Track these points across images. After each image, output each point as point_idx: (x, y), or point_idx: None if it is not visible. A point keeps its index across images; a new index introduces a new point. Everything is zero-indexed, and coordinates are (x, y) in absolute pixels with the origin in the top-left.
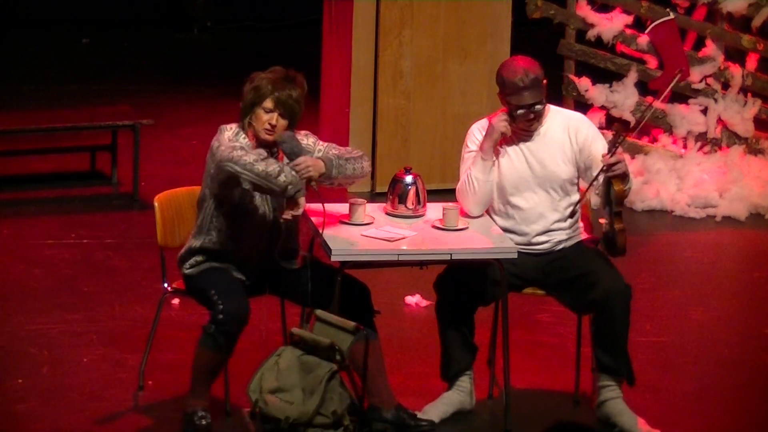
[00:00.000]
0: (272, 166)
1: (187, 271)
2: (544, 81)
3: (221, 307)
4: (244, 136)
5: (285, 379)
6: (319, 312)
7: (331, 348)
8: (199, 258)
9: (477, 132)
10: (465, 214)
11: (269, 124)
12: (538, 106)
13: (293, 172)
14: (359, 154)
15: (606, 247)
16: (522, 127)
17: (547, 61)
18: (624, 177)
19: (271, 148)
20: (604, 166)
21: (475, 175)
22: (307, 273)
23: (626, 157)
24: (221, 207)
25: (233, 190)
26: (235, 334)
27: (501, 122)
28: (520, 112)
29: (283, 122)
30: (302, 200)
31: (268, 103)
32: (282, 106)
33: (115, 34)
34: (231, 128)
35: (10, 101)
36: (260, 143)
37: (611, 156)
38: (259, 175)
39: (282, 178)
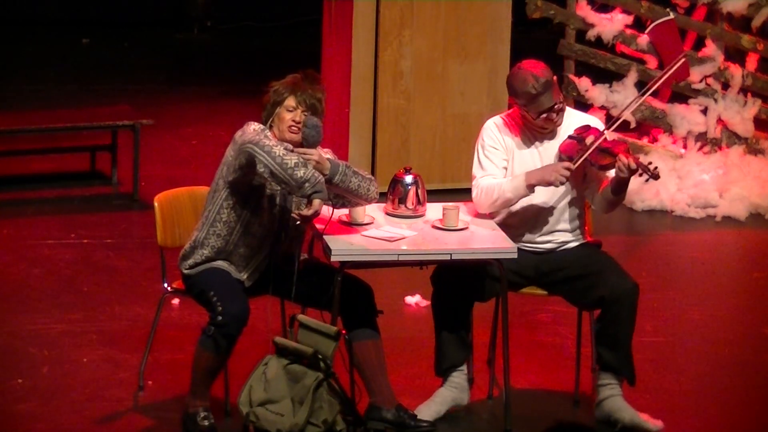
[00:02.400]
0: (293, 159)
1: (186, 271)
2: (554, 78)
3: (221, 308)
4: (269, 134)
5: (273, 390)
6: (301, 317)
7: (315, 357)
8: (202, 253)
9: (494, 129)
10: (475, 213)
11: (293, 121)
12: (558, 105)
13: (315, 173)
14: (369, 177)
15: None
16: (546, 126)
17: (547, 61)
18: (622, 183)
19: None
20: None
21: (507, 194)
22: (307, 274)
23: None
24: (232, 198)
25: (247, 181)
26: (235, 336)
27: (562, 176)
28: (543, 116)
29: (297, 118)
30: (317, 203)
31: (290, 101)
32: (304, 103)
33: (115, 34)
34: (257, 124)
35: (10, 101)
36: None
37: (636, 164)
38: (276, 162)
39: (300, 172)
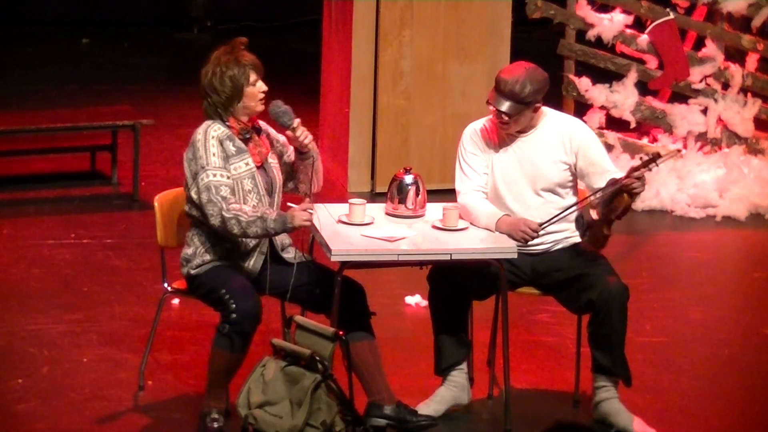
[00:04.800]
0: (256, 227)
1: (193, 272)
2: (537, 104)
3: (234, 306)
4: (225, 131)
5: (271, 391)
6: (298, 318)
7: (312, 358)
8: (207, 257)
9: (472, 135)
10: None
11: (262, 93)
12: (503, 116)
13: (270, 221)
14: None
15: (587, 238)
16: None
17: (547, 61)
18: (637, 195)
19: (256, 130)
20: (619, 182)
21: (479, 224)
22: (305, 277)
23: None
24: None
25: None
26: (250, 333)
27: (526, 236)
28: (489, 107)
29: (264, 86)
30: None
31: (252, 76)
32: (258, 70)
33: (115, 34)
34: (213, 144)
35: (10, 101)
36: (242, 128)
37: (638, 173)
38: (257, 237)
39: (270, 230)
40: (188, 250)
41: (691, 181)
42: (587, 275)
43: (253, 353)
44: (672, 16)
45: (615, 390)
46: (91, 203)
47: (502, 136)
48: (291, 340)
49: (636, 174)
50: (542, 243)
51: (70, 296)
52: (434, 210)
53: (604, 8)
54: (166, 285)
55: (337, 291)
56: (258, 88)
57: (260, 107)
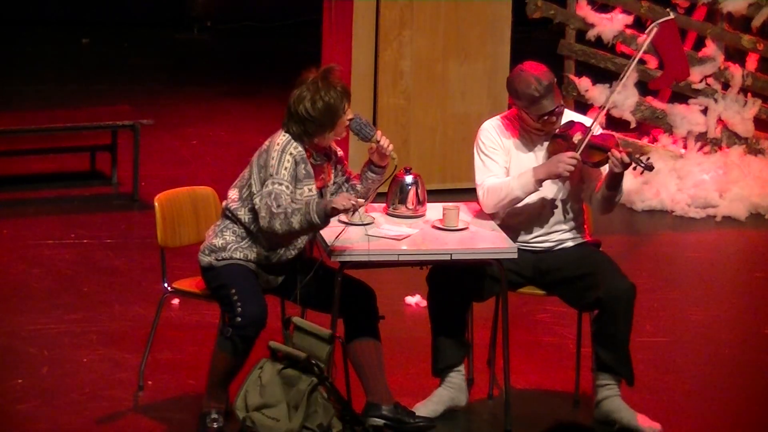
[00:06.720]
0: (299, 214)
1: (216, 262)
2: (555, 81)
3: (240, 309)
4: (301, 153)
5: (269, 394)
6: (296, 319)
7: (308, 362)
8: (237, 255)
9: (492, 130)
10: (475, 213)
11: (348, 120)
12: (558, 108)
13: (314, 205)
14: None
15: (550, 140)
16: (544, 129)
17: (547, 61)
18: (617, 178)
19: (326, 156)
20: (615, 147)
21: (515, 192)
22: (311, 274)
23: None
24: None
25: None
26: (253, 338)
27: (569, 165)
28: (543, 119)
29: (351, 114)
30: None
31: (346, 106)
32: (349, 99)
33: (115, 34)
34: (289, 160)
35: (10, 101)
36: (316, 154)
37: (629, 160)
38: (302, 230)
39: (312, 217)
40: (217, 241)
41: (691, 181)
42: (594, 274)
43: (253, 352)
44: (672, 16)
45: (617, 388)
46: (91, 203)
47: (521, 133)
48: (289, 342)
49: (625, 158)
50: (547, 241)
51: (70, 296)
52: (434, 210)
53: (604, 8)
54: (166, 285)
55: (337, 291)
56: (347, 116)
57: (344, 134)
